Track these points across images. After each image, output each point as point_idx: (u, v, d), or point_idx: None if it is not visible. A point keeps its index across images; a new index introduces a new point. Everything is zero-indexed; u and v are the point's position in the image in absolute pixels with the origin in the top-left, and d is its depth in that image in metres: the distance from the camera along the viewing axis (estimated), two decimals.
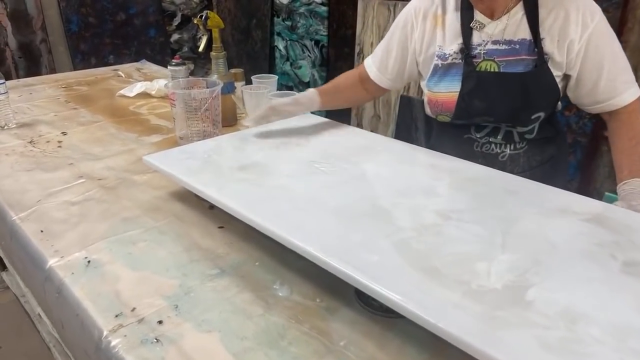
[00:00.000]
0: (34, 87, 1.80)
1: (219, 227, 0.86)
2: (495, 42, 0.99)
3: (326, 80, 2.70)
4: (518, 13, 0.97)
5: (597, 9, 0.95)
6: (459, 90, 1.01)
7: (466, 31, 1.01)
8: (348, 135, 1.10)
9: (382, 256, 0.64)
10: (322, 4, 2.55)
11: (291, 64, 2.86)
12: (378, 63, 1.16)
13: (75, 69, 2.92)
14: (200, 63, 3.47)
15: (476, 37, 1.01)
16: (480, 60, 1.00)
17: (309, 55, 2.73)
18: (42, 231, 0.85)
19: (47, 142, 1.27)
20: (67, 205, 0.94)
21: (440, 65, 1.04)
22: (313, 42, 2.68)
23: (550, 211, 0.74)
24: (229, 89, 1.35)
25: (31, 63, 2.81)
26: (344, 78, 1.22)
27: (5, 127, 1.35)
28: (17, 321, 1.69)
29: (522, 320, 0.52)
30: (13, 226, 0.88)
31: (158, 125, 1.40)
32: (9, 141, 1.27)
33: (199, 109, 1.21)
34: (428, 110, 1.13)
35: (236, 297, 0.68)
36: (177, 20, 3.29)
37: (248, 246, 0.80)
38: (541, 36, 0.96)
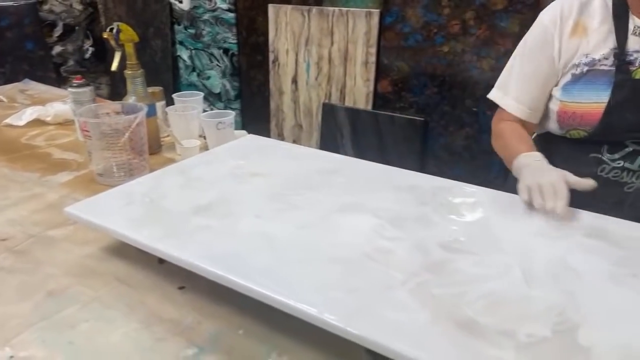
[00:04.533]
0: None
1: (179, 288, 0.71)
2: None
3: (239, 90, 2.54)
4: None
5: None
6: (606, 100, 0.88)
7: (621, 37, 0.88)
8: (302, 157, 0.99)
9: (404, 310, 0.54)
10: (229, 10, 2.39)
11: (198, 75, 2.66)
12: (525, 100, 0.97)
13: None
14: (89, 77, 3.10)
15: (633, 43, 0.88)
16: (636, 67, 0.87)
17: (217, 65, 2.55)
18: None
19: None
20: None
21: (584, 72, 0.90)
22: (221, 50, 2.51)
23: (552, 229, 0.71)
24: (151, 111, 1.17)
25: None
26: (520, 134, 0.97)
27: None
28: None
29: None
30: None
31: (64, 160, 1.17)
32: None
33: (119, 139, 1.03)
34: (553, 125, 0.97)
35: None
36: (58, 31, 2.90)
37: (222, 309, 0.66)
38: None
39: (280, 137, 2.40)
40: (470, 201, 0.79)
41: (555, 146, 0.98)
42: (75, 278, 0.73)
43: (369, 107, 2.14)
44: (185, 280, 0.71)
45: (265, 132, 2.47)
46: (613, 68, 0.88)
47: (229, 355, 0.59)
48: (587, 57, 0.90)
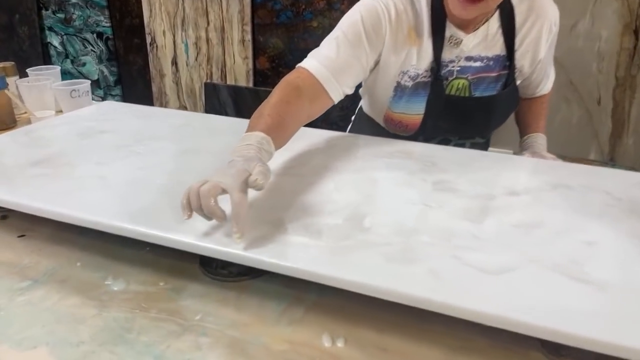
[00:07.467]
0: None
1: (20, 236, 0.71)
2: (468, 59, 0.90)
3: (119, 76, 2.47)
4: (494, 26, 0.89)
5: (558, 11, 0.93)
6: (424, 112, 0.92)
7: (438, 47, 0.88)
8: (155, 116, 1.02)
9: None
10: None
11: (72, 62, 2.54)
12: (338, 75, 0.81)
13: None
14: None
15: (448, 54, 0.90)
16: (452, 78, 0.91)
17: (92, 50, 2.46)
18: None
19: None
20: None
21: (409, 86, 0.91)
22: (95, 34, 2.42)
23: (367, 155, 0.81)
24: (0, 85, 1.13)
25: None
26: (286, 104, 0.74)
27: None
28: None
29: (366, 243, 0.56)
30: None
31: None
32: None
33: None
34: (381, 122, 1.00)
35: (59, 305, 0.58)
36: None
37: (62, 249, 0.68)
38: (515, 48, 0.91)
39: None
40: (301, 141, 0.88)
41: (379, 128, 1.01)
42: None
43: (250, 84, 2.19)
44: (27, 230, 0.72)
45: None
46: (430, 80, 0.90)
47: (63, 284, 0.62)
48: (414, 68, 0.90)
